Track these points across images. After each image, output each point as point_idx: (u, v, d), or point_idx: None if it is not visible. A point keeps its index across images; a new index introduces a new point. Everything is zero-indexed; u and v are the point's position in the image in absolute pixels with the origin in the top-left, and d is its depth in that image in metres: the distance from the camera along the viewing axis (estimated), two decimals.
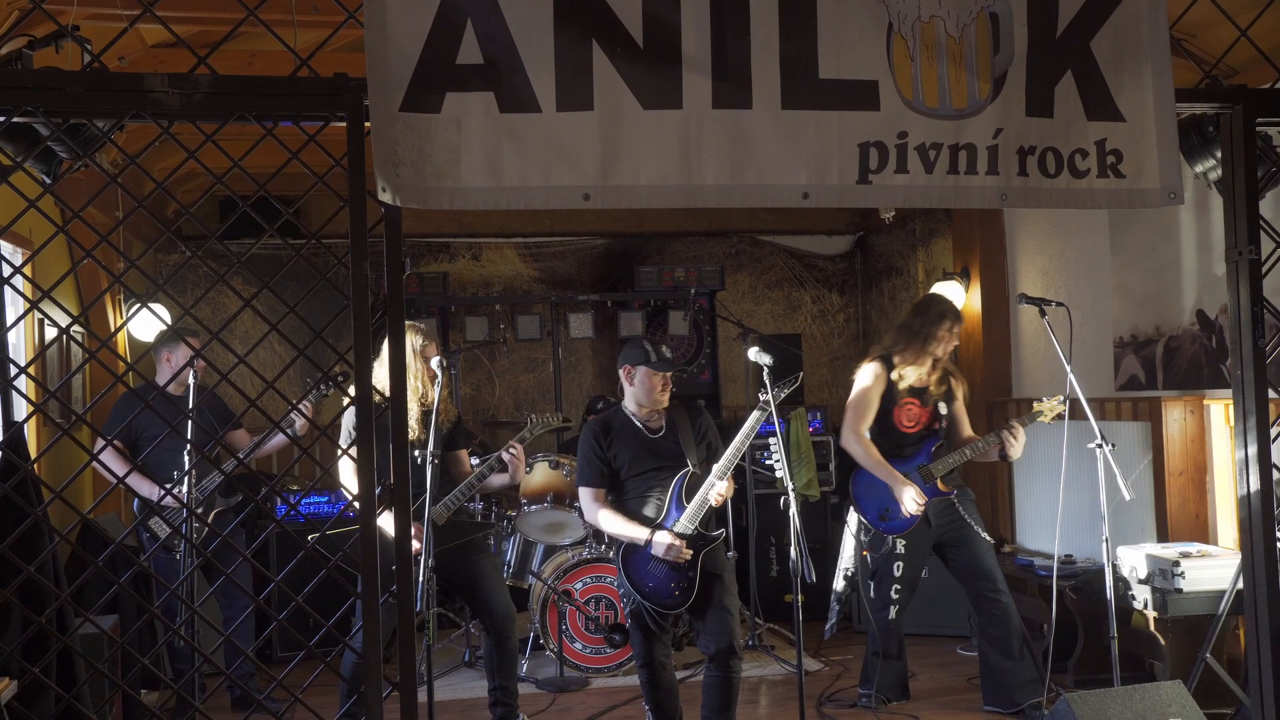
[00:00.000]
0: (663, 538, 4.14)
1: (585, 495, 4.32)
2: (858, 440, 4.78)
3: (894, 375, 4.80)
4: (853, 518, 4.91)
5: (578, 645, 5.63)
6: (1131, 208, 3.12)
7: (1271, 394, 3.17)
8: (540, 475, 5.83)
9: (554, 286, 8.17)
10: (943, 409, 4.85)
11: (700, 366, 8.09)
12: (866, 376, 4.84)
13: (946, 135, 2.94)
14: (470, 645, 6.01)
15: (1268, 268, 3.16)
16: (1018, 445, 4.66)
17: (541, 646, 5.66)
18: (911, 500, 4.66)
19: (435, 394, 4.22)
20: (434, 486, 4.02)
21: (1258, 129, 3.16)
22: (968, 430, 4.94)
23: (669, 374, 4.24)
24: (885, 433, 4.82)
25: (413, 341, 4.39)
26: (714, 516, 4.27)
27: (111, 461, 4.81)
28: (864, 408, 4.80)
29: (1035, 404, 4.64)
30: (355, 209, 2.67)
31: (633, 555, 4.26)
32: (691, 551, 4.14)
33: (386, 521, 3.81)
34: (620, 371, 4.32)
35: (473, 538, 4.54)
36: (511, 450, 4.44)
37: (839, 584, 5.00)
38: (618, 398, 7.53)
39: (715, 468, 4.18)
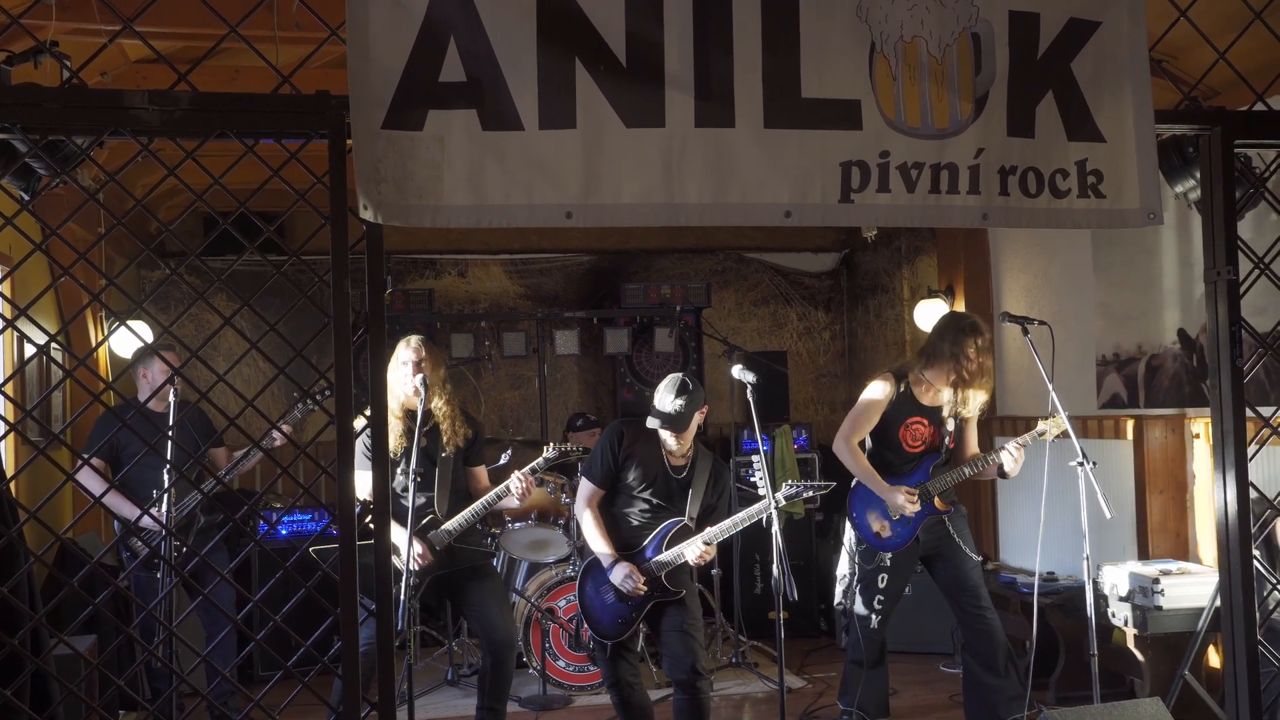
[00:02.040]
0: (622, 568, 4.13)
1: (584, 486, 4.32)
2: (848, 449, 4.72)
3: (910, 393, 4.69)
4: (849, 531, 4.87)
5: (561, 663, 5.60)
6: (1111, 228, 3.13)
7: (1249, 413, 3.18)
8: None
9: (540, 303, 8.16)
10: (950, 426, 4.75)
11: None
12: (874, 391, 4.74)
13: (928, 155, 2.94)
14: (453, 663, 5.98)
15: (1245, 288, 3.17)
16: (1017, 463, 4.58)
17: (524, 664, 5.63)
18: (905, 503, 4.59)
19: (420, 409, 4.20)
20: (419, 502, 4.02)
21: (1236, 150, 3.18)
22: (974, 449, 4.84)
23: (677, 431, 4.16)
24: (886, 448, 4.75)
25: (402, 355, 4.36)
26: (687, 574, 4.27)
27: (90, 480, 4.76)
28: (861, 421, 4.73)
29: (1040, 422, 4.52)
30: (337, 226, 2.66)
31: (592, 574, 4.26)
32: (646, 590, 4.13)
33: (399, 535, 3.79)
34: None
35: (479, 561, 4.50)
36: (521, 480, 4.39)
37: (838, 596, 4.94)
38: (598, 415, 7.56)
39: (708, 530, 4.17)
